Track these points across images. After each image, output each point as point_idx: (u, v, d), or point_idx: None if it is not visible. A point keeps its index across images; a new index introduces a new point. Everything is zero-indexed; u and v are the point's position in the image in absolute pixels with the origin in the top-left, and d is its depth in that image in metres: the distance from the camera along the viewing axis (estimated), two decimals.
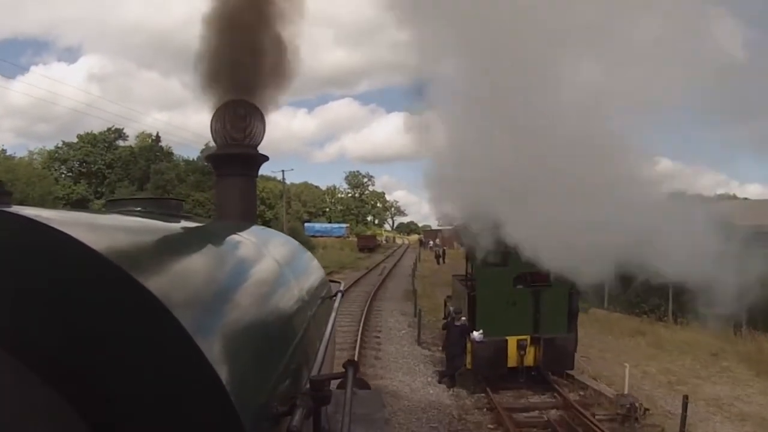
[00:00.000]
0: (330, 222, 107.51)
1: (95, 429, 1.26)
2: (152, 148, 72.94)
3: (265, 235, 3.91)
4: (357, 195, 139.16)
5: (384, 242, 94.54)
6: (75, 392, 1.25)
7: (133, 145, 73.30)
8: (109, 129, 72.39)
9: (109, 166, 71.58)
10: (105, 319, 1.30)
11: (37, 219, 1.35)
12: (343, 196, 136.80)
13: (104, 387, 1.28)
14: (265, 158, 5.26)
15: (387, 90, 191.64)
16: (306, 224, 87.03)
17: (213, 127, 5.07)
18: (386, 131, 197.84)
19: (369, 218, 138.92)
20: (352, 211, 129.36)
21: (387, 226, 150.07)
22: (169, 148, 74.50)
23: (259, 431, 1.55)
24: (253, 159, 5.18)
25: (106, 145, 72.57)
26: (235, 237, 2.99)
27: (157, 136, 74.71)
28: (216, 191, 5.15)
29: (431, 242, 78.70)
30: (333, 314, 3.70)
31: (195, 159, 69.28)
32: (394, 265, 47.60)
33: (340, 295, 4.37)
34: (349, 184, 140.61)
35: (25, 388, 1.22)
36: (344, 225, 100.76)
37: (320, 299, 3.78)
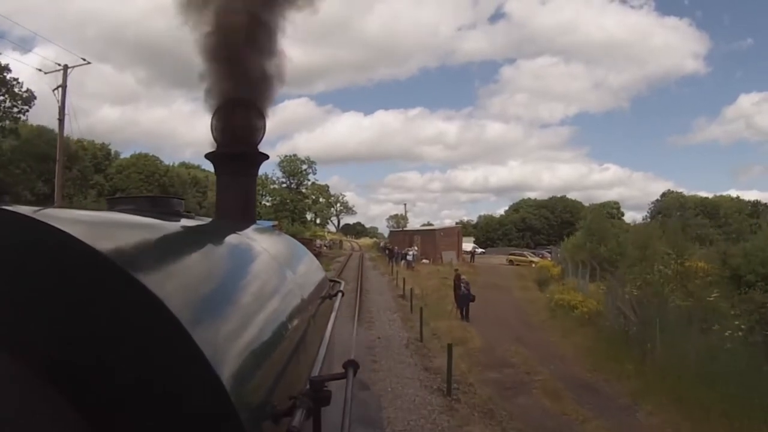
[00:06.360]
0: (260, 219, 71.02)
1: (95, 428, 1.25)
2: None
3: (265, 235, 3.90)
4: (294, 185, 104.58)
5: (326, 248, 67.81)
6: (75, 391, 1.25)
7: None
8: None
9: None
10: (103, 318, 1.29)
11: (35, 217, 1.34)
12: (277, 187, 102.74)
13: (104, 386, 1.27)
14: (265, 157, 5.25)
15: (345, 90, 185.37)
16: None
17: (213, 125, 5.05)
18: (340, 131, 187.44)
19: (309, 216, 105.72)
20: (287, 206, 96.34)
21: (331, 227, 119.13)
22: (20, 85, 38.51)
23: (259, 431, 1.53)
24: (253, 158, 5.17)
25: None
26: (234, 236, 2.98)
27: None
28: (216, 190, 5.14)
29: (410, 252, 48.67)
30: (333, 314, 3.69)
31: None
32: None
33: (340, 294, 4.36)
34: (284, 172, 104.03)
35: (25, 388, 1.21)
36: (271, 223, 67.48)
37: (320, 299, 3.77)
